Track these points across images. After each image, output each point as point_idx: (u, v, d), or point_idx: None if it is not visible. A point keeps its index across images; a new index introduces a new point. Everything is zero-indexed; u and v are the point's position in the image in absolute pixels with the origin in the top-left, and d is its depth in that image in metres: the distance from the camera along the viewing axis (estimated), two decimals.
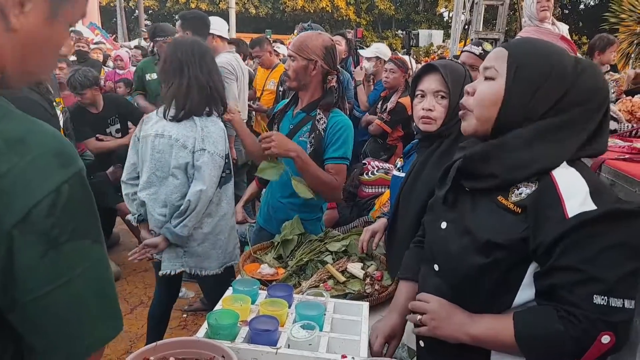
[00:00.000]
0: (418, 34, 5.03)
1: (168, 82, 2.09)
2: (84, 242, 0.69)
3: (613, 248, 0.91)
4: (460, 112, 1.12)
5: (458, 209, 1.12)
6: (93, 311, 0.71)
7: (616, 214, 0.91)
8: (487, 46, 2.63)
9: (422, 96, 1.54)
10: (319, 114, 2.02)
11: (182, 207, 2.07)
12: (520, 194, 1.00)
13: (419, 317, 1.11)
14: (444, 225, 1.14)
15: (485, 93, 1.05)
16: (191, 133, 2.06)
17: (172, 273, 2.18)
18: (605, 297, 0.90)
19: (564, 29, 3.73)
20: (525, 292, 1.02)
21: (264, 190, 2.39)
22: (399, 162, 1.87)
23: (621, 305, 0.90)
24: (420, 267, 1.27)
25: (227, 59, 3.46)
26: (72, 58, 5.23)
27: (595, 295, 0.90)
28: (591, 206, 0.92)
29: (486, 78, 1.07)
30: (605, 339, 0.90)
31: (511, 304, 1.03)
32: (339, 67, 2.30)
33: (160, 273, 2.18)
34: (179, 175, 2.09)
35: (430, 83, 1.52)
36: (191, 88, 2.05)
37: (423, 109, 1.53)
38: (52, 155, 0.65)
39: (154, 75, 3.84)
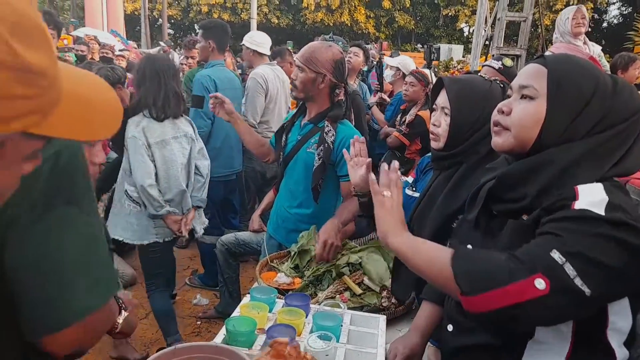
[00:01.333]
0: (439, 48, 5.04)
1: (143, 87, 2.48)
2: (73, 209, 0.71)
3: (600, 238, 0.86)
4: (495, 129, 1.09)
5: (486, 234, 1.10)
6: (74, 282, 0.71)
7: (620, 223, 0.87)
8: (507, 61, 2.63)
9: (435, 110, 1.53)
10: (327, 125, 2.03)
11: (202, 180, 2.67)
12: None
13: (387, 192, 1.18)
14: (469, 247, 1.12)
15: (525, 114, 1.02)
16: (189, 128, 2.63)
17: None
18: (563, 259, 0.85)
19: (596, 49, 3.69)
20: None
21: None
22: (411, 178, 1.86)
23: (573, 277, 0.84)
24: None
25: (260, 72, 3.52)
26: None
27: (554, 250, 0.86)
28: (601, 211, 0.88)
29: (524, 96, 1.03)
30: (540, 283, 0.85)
31: (533, 335, 1.00)
32: (358, 80, 2.32)
33: (201, 235, 2.76)
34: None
35: (440, 98, 1.51)
36: (168, 93, 2.48)
37: (432, 123, 1.53)
38: None
39: None
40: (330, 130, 2.03)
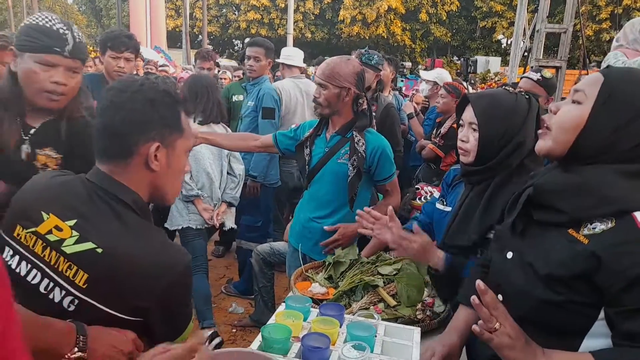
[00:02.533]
0: (476, 60, 4.95)
1: (196, 99, 2.89)
2: None
3: None
4: (540, 131, 1.09)
5: (526, 239, 1.10)
6: None
7: None
8: (546, 73, 2.58)
9: (462, 126, 1.53)
10: (356, 135, 2.08)
11: (236, 181, 3.05)
12: (594, 228, 0.97)
13: (496, 324, 1.02)
14: (509, 255, 1.12)
15: (567, 116, 1.02)
16: (222, 131, 3.01)
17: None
18: None
19: None
20: (594, 341, 0.97)
21: None
22: (436, 192, 1.85)
23: None
24: None
25: (277, 84, 3.67)
26: None
27: None
28: None
29: (573, 101, 1.03)
30: None
31: (578, 349, 0.99)
32: (395, 92, 2.38)
33: (229, 225, 3.06)
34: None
35: (467, 113, 1.51)
36: (215, 103, 2.94)
37: (460, 139, 1.53)
38: None
39: (240, 97, 4.01)
40: (360, 140, 2.08)
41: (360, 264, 1.96)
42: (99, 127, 1.05)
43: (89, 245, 0.99)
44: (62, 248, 0.99)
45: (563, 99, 1.16)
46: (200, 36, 20.32)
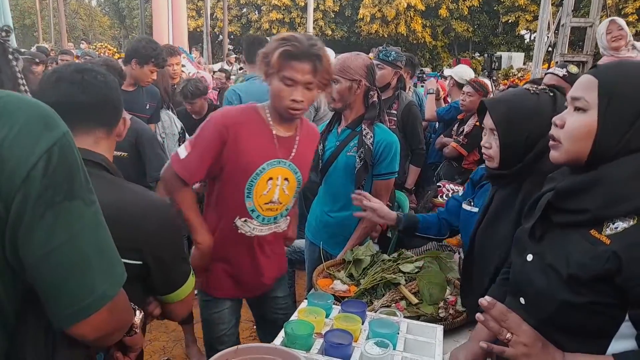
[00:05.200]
0: (500, 57, 4.84)
1: None
2: (77, 202, 0.72)
3: None
4: (551, 143, 1.07)
5: (545, 242, 1.08)
6: (93, 268, 0.74)
7: None
8: (572, 68, 2.52)
9: (485, 130, 1.50)
10: (365, 128, 2.10)
11: None
12: (616, 227, 0.94)
13: (508, 335, 1.02)
14: (529, 257, 1.10)
15: (576, 127, 1.00)
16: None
17: None
18: None
19: None
20: (622, 343, 0.95)
21: None
22: (461, 190, 1.83)
23: None
24: (506, 299, 1.22)
25: None
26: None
27: None
28: None
29: (576, 109, 1.01)
30: None
31: (605, 352, 0.97)
32: (414, 88, 2.37)
33: None
34: None
35: (487, 119, 1.47)
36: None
37: (482, 145, 1.50)
38: (38, 121, 0.70)
39: None
40: (368, 132, 2.10)
41: (382, 261, 1.96)
42: (73, 104, 1.12)
43: None
44: None
45: None
46: (220, 36, 20.51)
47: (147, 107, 3.15)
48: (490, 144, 1.46)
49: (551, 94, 1.41)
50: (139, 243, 1.10)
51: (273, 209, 1.74)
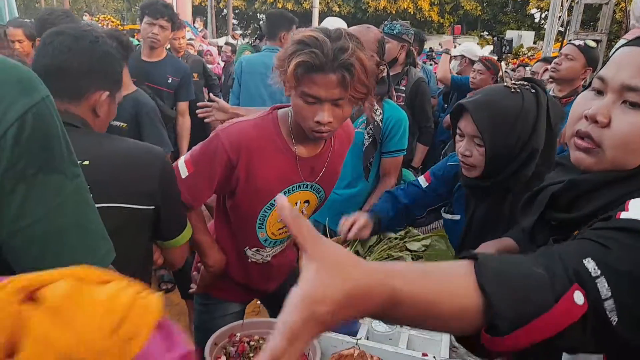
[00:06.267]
0: (512, 40, 4.65)
1: None
2: (55, 176, 0.66)
3: None
4: (579, 142, 0.79)
5: (539, 243, 0.91)
6: (72, 247, 0.68)
7: None
8: (591, 42, 2.45)
9: (462, 136, 1.33)
10: (375, 105, 2.04)
11: None
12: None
13: None
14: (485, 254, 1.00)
15: (634, 132, 0.72)
16: None
17: None
18: (598, 271, 0.60)
19: None
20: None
21: None
22: (424, 180, 1.64)
23: (605, 298, 0.58)
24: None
25: None
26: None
27: (589, 258, 0.61)
28: None
29: (631, 104, 0.73)
30: (579, 297, 0.58)
31: None
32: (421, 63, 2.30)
33: None
34: None
35: (467, 125, 1.30)
36: None
37: (460, 153, 1.33)
38: (12, 84, 0.63)
39: None
40: (378, 109, 2.05)
41: (388, 239, 1.93)
42: (50, 68, 1.09)
43: None
44: None
45: None
46: (225, 10, 20.22)
47: (170, 81, 3.05)
48: (471, 151, 1.29)
49: (533, 91, 1.28)
50: (151, 186, 1.13)
51: (287, 231, 1.50)
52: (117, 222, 1.04)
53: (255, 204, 1.36)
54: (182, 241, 1.27)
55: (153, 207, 1.14)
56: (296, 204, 1.42)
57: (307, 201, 1.45)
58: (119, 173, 1.09)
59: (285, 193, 1.37)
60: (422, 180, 1.61)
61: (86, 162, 1.02)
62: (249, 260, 1.48)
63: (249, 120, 1.35)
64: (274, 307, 1.55)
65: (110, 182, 1.06)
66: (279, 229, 1.45)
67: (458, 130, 1.34)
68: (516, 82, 1.32)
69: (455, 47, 5.25)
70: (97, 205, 0.99)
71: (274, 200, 1.35)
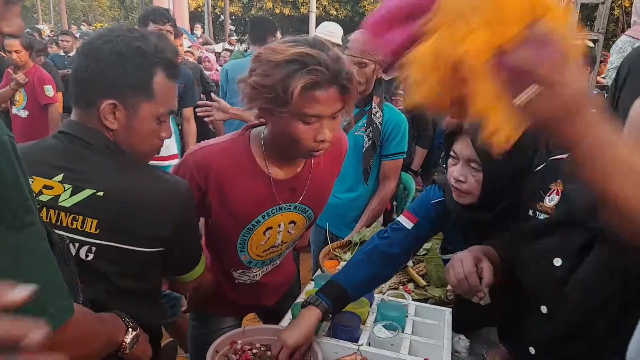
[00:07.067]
0: None
1: None
2: None
3: None
4: None
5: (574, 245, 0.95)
6: None
7: None
8: (588, 43, 2.46)
9: (456, 159, 1.22)
10: (374, 107, 2.05)
11: None
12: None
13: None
14: (558, 262, 0.97)
15: None
16: None
17: None
18: None
19: None
20: None
21: None
22: (409, 222, 1.38)
23: None
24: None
25: None
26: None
27: None
28: None
29: None
30: None
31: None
32: None
33: None
34: None
35: (463, 147, 1.18)
36: None
37: (454, 178, 1.21)
38: None
39: None
40: (378, 111, 2.06)
41: None
42: (71, 74, 1.04)
43: (87, 192, 0.98)
44: (60, 204, 0.97)
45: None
46: (222, 16, 20.27)
47: None
48: (466, 177, 1.18)
49: None
50: (164, 232, 1.03)
51: (276, 251, 1.42)
52: (116, 261, 0.99)
53: (233, 229, 1.30)
54: (193, 277, 1.19)
55: (162, 248, 1.06)
56: (279, 225, 1.34)
57: (292, 222, 1.37)
58: (131, 213, 0.99)
59: (264, 217, 1.30)
60: (405, 221, 1.38)
61: (100, 193, 0.97)
62: (236, 282, 1.45)
63: (218, 143, 1.28)
64: (272, 321, 1.41)
65: (118, 221, 0.98)
66: (265, 250, 1.38)
67: (452, 154, 1.22)
68: None
69: None
70: (97, 242, 0.96)
71: (254, 224, 1.29)
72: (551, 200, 1.02)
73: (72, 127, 1.03)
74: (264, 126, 1.27)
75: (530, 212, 1.05)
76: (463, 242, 1.27)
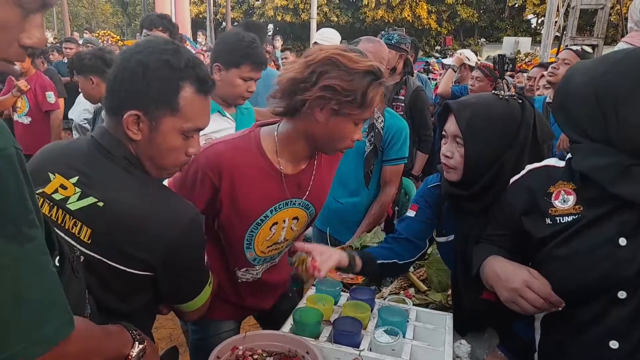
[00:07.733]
0: (515, 58, 4.40)
1: None
2: None
3: None
4: None
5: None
6: (4, 323, 0.59)
7: None
8: (587, 48, 2.49)
9: (446, 137, 1.32)
10: (376, 112, 2.07)
11: None
12: None
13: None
14: (623, 242, 0.97)
15: None
16: None
17: None
18: None
19: None
20: None
21: None
22: (412, 212, 1.51)
23: None
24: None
25: None
26: None
27: None
28: None
29: None
30: None
31: None
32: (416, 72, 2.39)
33: None
34: None
35: (450, 125, 1.29)
36: None
37: (442, 154, 1.31)
38: None
39: None
40: (380, 117, 2.08)
41: None
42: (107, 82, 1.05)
43: (90, 200, 0.99)
44: (67, 206, 0.99)
45: None
46: (224, 23, 20.39)
47: None
48: (452, 152, 1.28)
49: (520, 102, 1.27)
50: (154, 253, 1.01)
51: (278, 248, 1.47)
52: (104, 276, 0.99)
53: (241, 225, 1.33)
54: (192, 307, 1.16)
55: (151, 274, 1.04)
56: (284, 221, 1.39)
57: (296, 217, 1.42)
58: (124, 231, 0.98)
59: (272, 211, 1.34)
60: (409, 212, 1.51)
61: (100, 204, 0.97)
62: (239, 281, 1.46)
63: (227, 141, 1.32)
64: (270, 324, 1.45)
65: (109, 235, 0.97)
66: (268, 246, 1.42)
67: (443, 133, 1.33)
68: (506, 93, 1.31)
69: (446, 57, 5.25)
70: (87, 252, 0.97)
71: (262, 219, 1.33)
72: (566, 202, 1.05)
73: (99, 134, 1.06)
74: (275, 124, 1.34)
75: (549, 221, 1.06)
76: (457, 222, 1.37)
